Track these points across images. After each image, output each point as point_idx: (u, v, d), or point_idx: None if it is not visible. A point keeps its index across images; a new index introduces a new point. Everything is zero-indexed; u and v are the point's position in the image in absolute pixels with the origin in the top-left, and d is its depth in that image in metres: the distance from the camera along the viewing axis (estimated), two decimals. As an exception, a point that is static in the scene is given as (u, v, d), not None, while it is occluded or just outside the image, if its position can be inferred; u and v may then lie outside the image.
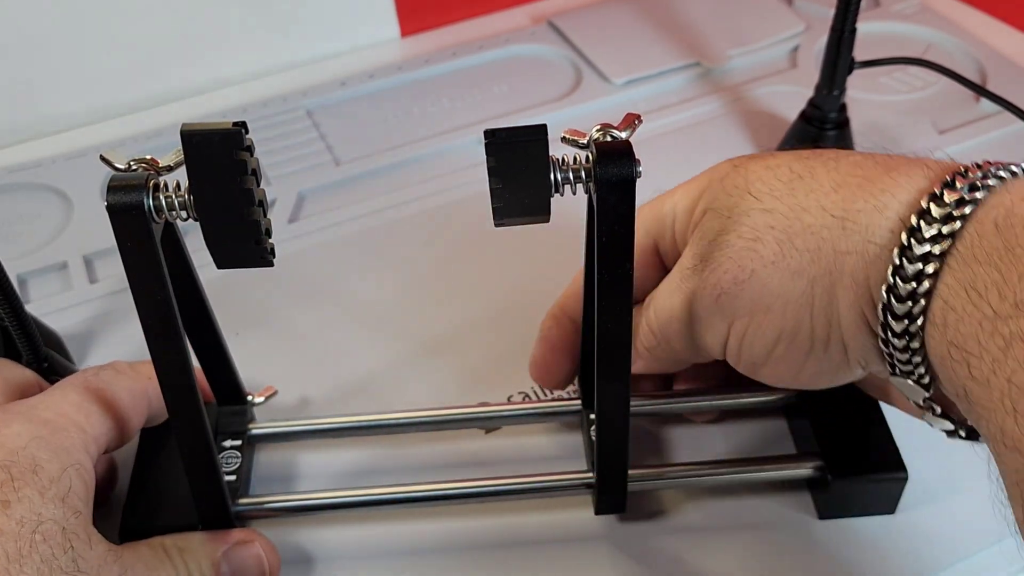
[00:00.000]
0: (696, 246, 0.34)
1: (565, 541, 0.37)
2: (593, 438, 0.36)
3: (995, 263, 0.26)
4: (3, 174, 0.55)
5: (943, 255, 0.28)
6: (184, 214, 0.29)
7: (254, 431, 0.39)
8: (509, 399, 0.42)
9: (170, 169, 0.29)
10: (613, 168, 0.28)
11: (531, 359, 0.40)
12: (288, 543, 0.37)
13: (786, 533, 0.37)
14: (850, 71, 0.50)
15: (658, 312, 0.35)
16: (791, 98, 0.57)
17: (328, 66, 0.63)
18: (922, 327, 0.28)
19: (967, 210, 0.28)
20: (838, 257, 0.30)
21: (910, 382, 0.30)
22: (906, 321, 0.29)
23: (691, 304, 0.34)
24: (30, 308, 0.40)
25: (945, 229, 0.28)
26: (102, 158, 0.29)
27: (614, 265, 0.29)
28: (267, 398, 0.40)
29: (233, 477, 0.37)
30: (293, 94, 0.60)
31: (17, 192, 0.55)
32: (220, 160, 0.27)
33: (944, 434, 0.32)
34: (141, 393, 0.36)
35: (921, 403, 0.31)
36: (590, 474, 0.37)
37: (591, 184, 0.29)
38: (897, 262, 0.28)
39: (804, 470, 0.37)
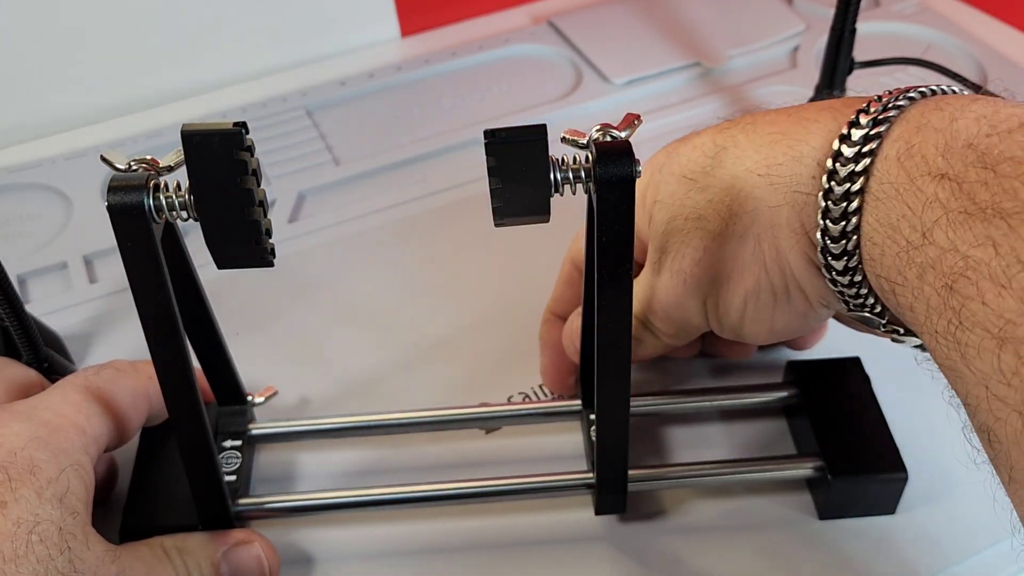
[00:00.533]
0: (654, 240, 0.36)
1: (565, 541, 0.37)
2: (593, 438, 0.36)
3: (902, 196, 0.28)
4: (3, 174, 0.55)
5: (861, 191, 0.29)
6: (184, 214, 0.29)
7: (254, 431, 0.39)
8: (509, 399, 0.42)
9: (170, 169, 0.29)
10: (613, 168, 0.28)
11: (540, 368, 0.41)
12: (288, 543, 0.37)
13: (786, 533, 0.37)
14: (850, 71, 0.50)
15: (640, 308, 0.37)
16: (791, 98, 0.56)
17: (328, 66, 0.63)
18: (860, 262, 0.30)
19: (873, 145, 0.29)
20: (772, 212, 0.32)
21: (866, 313, 0.32)
22: (845, 259, 0.30)
23: (665, 295, 0.36)
24: (30, 308, 0.41)
25: (858, 167, 0.29)
26: (102, 158, 0.29)
27: (614, 264, 0.30)
28: (267, 398, 0.40)
29: (233, 477, 0.37)
30: (293, 94, 0.60)
31: (17, 192, 0.55)
32: (220, 160, 0.27)
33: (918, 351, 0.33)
34: (142, 392, 0.36)
35: (881, 331, 0.32)
36: (590, 474, 0.37)
37: (591, 184, 0.29)
38: (823, 205, 0.30)
39: (804, 470, 0.37)
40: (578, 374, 0.40)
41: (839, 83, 0.50)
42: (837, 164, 0.29)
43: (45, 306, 0.47)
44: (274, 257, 0.30)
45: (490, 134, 0.28)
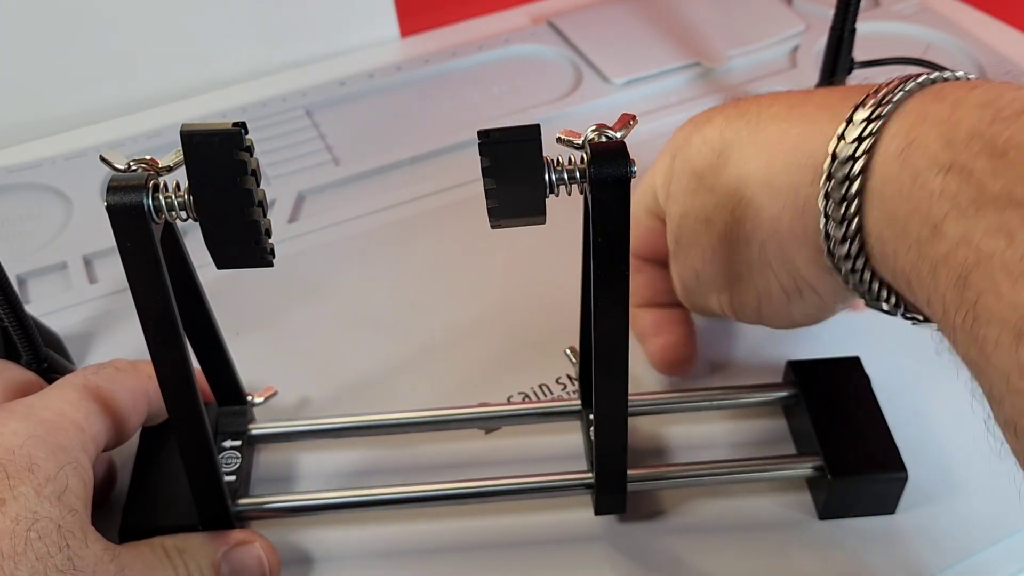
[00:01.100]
0: (670, 233, 0.37)
1: (565, 541, 0.37)
2: (592, 438, 0.36)
3: (907, 193, 0.27)
4: (3, 174, 0.55)
5: (861, 192, 0.29)
6: (184, 214, 0.29)
7: (254, 431, 0.39)
8: (509, 399, 0.42)
9: (170, 169, 0.29)
10: (607, 168, 0.28)
11: (649, 355, 0.42)
12: (288, 543, 0.37)
13: (786, 533, 0.37)
14: (850, 71, 0.50)
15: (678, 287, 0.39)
16: (791, 98, 0.57)
17: (328, 66, 0.63)
18: (865, 258, 0.30)
19: (868, 144, 0.28)
20: (774, 220, 0.32)
21: (882, 306, 0.31)
22: (852, 260, 0.30)
23: (682, 283, 0.37)
24: (30, 308, 0.41)
25: (855, 168, 0.29)
26: (102, 158, 0.29)
27: (610, 265, 0.29)
28: (267, 398, 0.40)
29: (233, 477, 0.37)
30: (293, 94, 0.60)
31: (17, 192, 0.55)
32: (220, 160, 0.27)
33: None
34: (141, 392, 0.36)
35: (902, 317, 0.32)
36: (589, 474, 0.37)
37: (586, 184, 0.29)
38: (823, 209, 0.30)
39: (804, 470, 0.37)
40: (694, 350, 0.41)
41: (839, 83, 0.50)
42: (833, 167, 0.29)
43: (45, 306, 0.47)
44: (274, 257, 0.30)
45: (484, 134, 0.28)
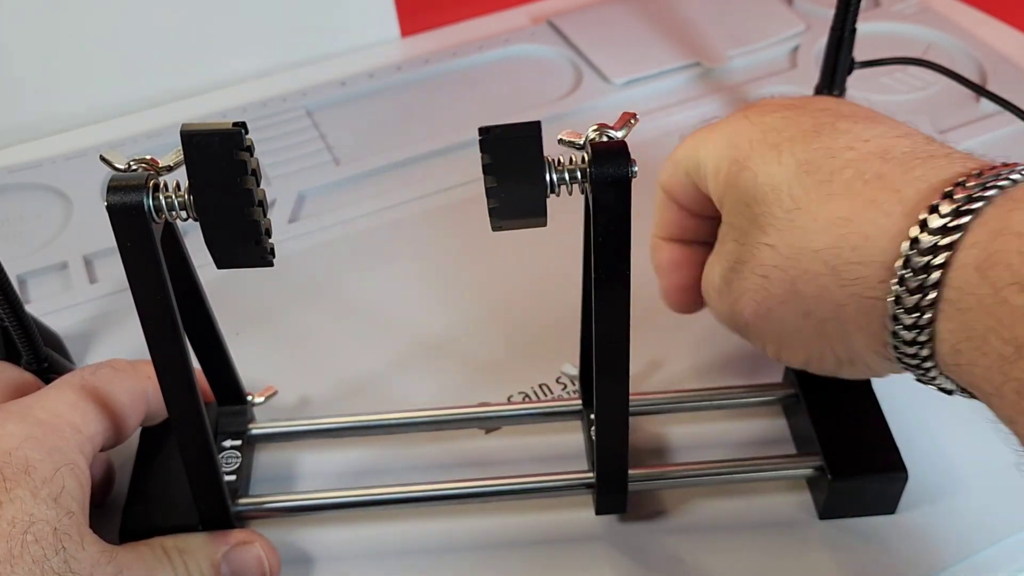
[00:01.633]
0: (721, 263, 0.35)
1: (565, 541, 0.37)
2: (593, 438, 0.36)
3: (987, 308, 0.26)
4: (3, 174, 0.55)
5: (936, 300, 0.27)
6: (184, 214, 0.29)
7: (254, 431, 0.39)
8: (509, 399, 0.42)
9: (170, 169, 0.29)
10: (608, 168, 0.28)
11: (662, 293, 0.41)
12: (288, 543, 0.37)
13: (786, 533, 0.37)
14: (850, 71, 0.50)
15: (716, 311, 0.37)
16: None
17: (328, 66, 0.63)
18: (934, 362, 0.29)
19: (945, 256, 0.27)
20: (839, 307, 0.31)
21: (934, 388, 0.31)
22: (918, 359, 0.29)
23: (725, 319, 0.36)
24: (30, 308, 0.41)
25: (931, 277, 0.27)
26: (102, 158, 0.29)
27: (611, 265, 0.29)
28: (267, 398, 0.40)
29: (233, 477, 0.37)
30: (293, 94, 0.60)
31: (17, 192, 0.55)
32: (220, 160, 0.27)
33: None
34: (139, 392, 0.36)
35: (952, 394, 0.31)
36: (590, 474, 0.37)
37: (587, 184, 0.29)
38: (893, 311, 0.29)
39: (804, 470, 0.37)
40: (700, 296, 0.40)
41: (839, 83, 0.50)
42: (907, 272, 0.28)
43: (45, 306, 0.47)
44: (274, 257, 0.30)
45: (484, 131, 0.28)
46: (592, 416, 0.37)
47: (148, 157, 0.29)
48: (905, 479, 0.36)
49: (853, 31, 0.48)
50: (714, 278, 0.36)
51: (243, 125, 0.27)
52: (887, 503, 0.37)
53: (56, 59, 0.58)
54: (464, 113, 0.58)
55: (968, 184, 0.28)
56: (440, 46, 0.64)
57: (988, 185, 0.28)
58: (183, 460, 0.34)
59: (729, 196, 0.34)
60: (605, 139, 0.29)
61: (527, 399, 0.42)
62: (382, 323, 0.46)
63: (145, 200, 0.28)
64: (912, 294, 0.28)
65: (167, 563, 0.33)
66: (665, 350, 0.44)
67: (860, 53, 0.49)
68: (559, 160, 0.29)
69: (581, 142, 0.29)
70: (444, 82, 0.61)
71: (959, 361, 0.28)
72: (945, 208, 0.28)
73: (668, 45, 0.62)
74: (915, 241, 0.28)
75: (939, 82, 0.58)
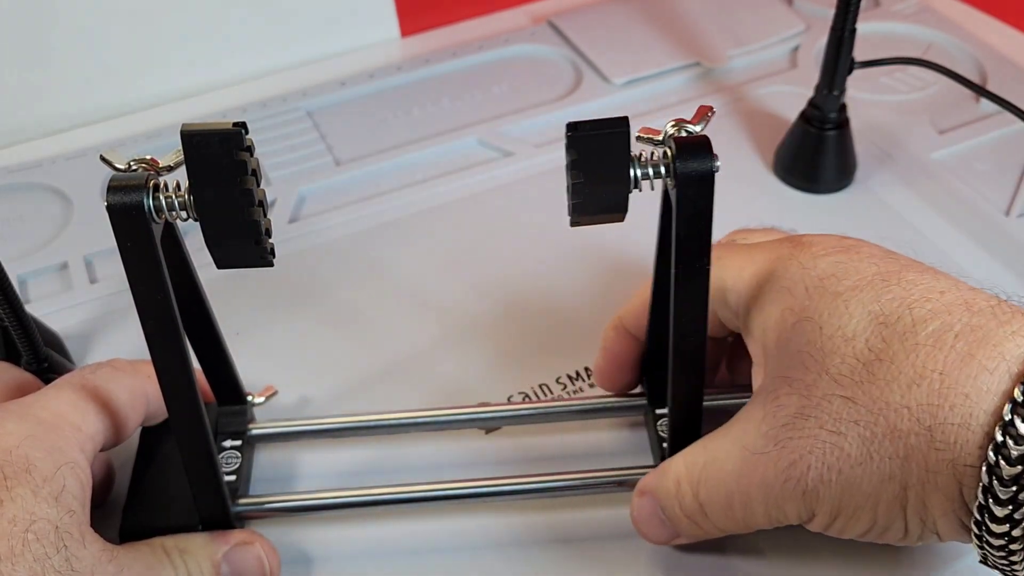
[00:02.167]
0: (768, 421, 0.31)
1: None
2: (661, 433, 0.36)
3: None
4: (3, 174, 0.55)
5: None
6: (184, 214, 0.29)
7: (254, 431, 0.39)
8: (509, 399, 0.42)
9: (170, 169, 0.29)
10: (693, 162, 0.28)
11: (595, 367, 0.40)
12: (288, 543, 0.37)
13: (786, 532, 0.37)
14: (850, 71, 0.50)
15: (710, 493, 0.32)
16: (791, 98, 0.57)
17: (328, 66, 0.63)
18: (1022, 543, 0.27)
19: None
20: (929, 473, 0.28)
21: (999, 566, 0.29)
22: (1005, 539, 0.27)
23: (763, 491, 0.31)
24: (30, 308, 0.41)
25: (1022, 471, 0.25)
26: (102, 158, 0.29)
27: (691, 260, 0.30)
28: (267, 398, 0.40)
29: (233, 477, 0.37)
30: (293, 94, 0.60)
31: (17, 192, 0.55)
32: (220, 160, 0.27)
33: None
34: (139, 392, 0.36)
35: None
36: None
37: (668, 180, 0.29)
38: (987, 481, 0.26)
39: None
40: (633, 381, 0.40)
41: (839, 83, 0.50)
42: (1008, 440, 0.26)
43: (45, 306, 0.47)
44: (274, 257, 0.30)
45: (572, 127, 0.28)
46: (658, 412, 0.38)
47: (148, 157, 0.29)
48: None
49: (853, 31, 0.48)
50: (750, 441, 0.31)
51: (243, 125, 0.27)
52: None
53: (56, 59, 0.58)
54: (464, 113, 0.58)
55: None
56: (440, 46, 0.64)
57: None
58: (183, 460, 0.34)
59: (785, 349, 0.31)
60: (683, 134, 0.29)
61: (527, 399, 0.42)
62: (382, 323, 0.46)
63: (145, 200, 0.28)
64: (1013, 465, 0.26)
65: (167, 563, 0.33)
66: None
67: (860, 53, 0.49)
68: (642, 155, 0.29)
69: (660, 138, 0.29)
70: (444, 82, 0.61)
71: None
72: None
73: (668, 45, 0.62)
74: (1019, 405, 0.26)
75: (939, 82, 0.58)
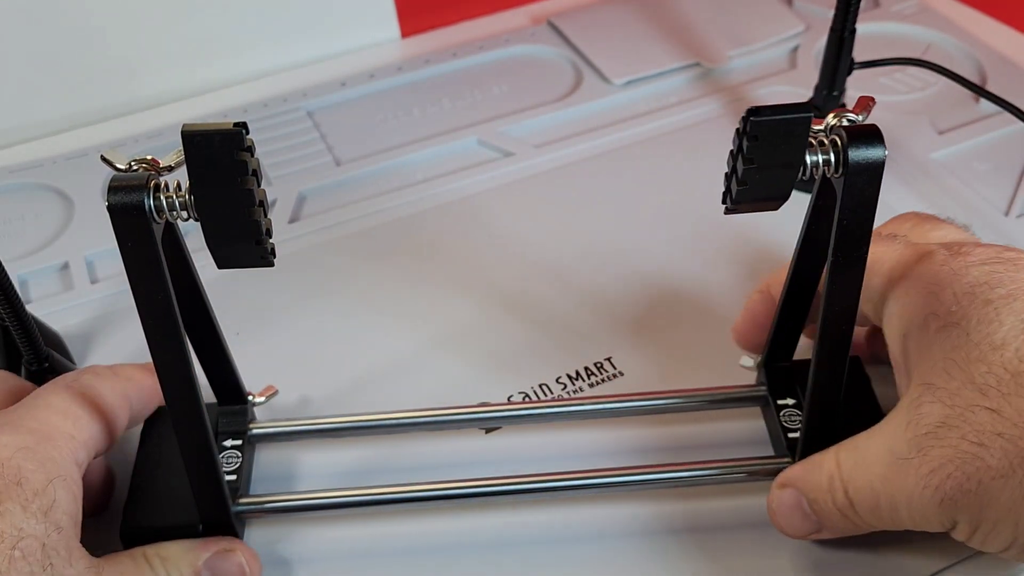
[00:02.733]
0: (913, 429, 0.31)
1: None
2: (784, 423, 0.37)
3: None
4: (3, 174, 0.55)
5: None
6: (185, 214, 0.29)
7: (254, 431, 0.39)
8: (509, 399, 0.42)
9: (171, 169, 0.29)
10: (865, 151, 0.28)
11: (735, 327, 0.40)
12: (288, 543, 0.38)
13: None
14: (850, 72, 0.50)
15: (858, 492, 0.32)
16: (790, 99, 0.56)
17: (328, 66, 0.63)
18: None
19: None
20: None
21: None
22: None
23: (907, 496, 0.31)
24: (31, 308, 0.41)
25: None
26: (103, 158, 0.29)
27: (851, 248, 0.30)
28: (267, 398, 0.40)
29: (233, 477, 0.37)
30: (293, 94, 0.60)
31: (18, 192, 0.55)
32: (221, 160, 0.27)
33: None
34: (122, 394, 0.36)
35: None
36: (787, 459, 0.37)
37: (833, 168, 0.29)
38: None
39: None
40: (764, 342, 0.40)
41: (839, 84, 0.50)
42: None
43: (46, 306, 0.47)
44: (274, 257, 0.30)
45: (755, 111, 0.28)
46: (779, 402, 0.38)
47: (149, 157, 0.29)
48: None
49: (853, 31, 0.48)
50: (897, 446, 0.31)
51: (244, 125, 0.27)
52: None
53: (57, 59, 0.58)
54: (464, 113, 0.58)
55: None
56: (440, 46, 0.64)
57: None
58: (184, 460, 0.34)
59: (929, 354, 0.31)
60: (846, 123, 0.29)
61: (527, 399, 0.42)
62: (382, 323, 0.46)
63: (146, 200, 0.28)
64: None
65: (148, 571, 0.33)
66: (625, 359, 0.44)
67: (860, 53, 0.49)
68: (821, 141, 0.29)
69: (822, 127, 0.29)
70: (444, 82, 0.61)
71: None
72: None
73: (668, 45, 0.62)
74: None
75: (939, 82, 0.58)
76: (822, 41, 0.51)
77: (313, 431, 0.40)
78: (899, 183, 0.52)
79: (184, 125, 0.27)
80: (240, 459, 0.38)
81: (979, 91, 0.50)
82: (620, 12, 0.66)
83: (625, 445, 0.40)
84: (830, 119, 0.30)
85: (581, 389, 0.43)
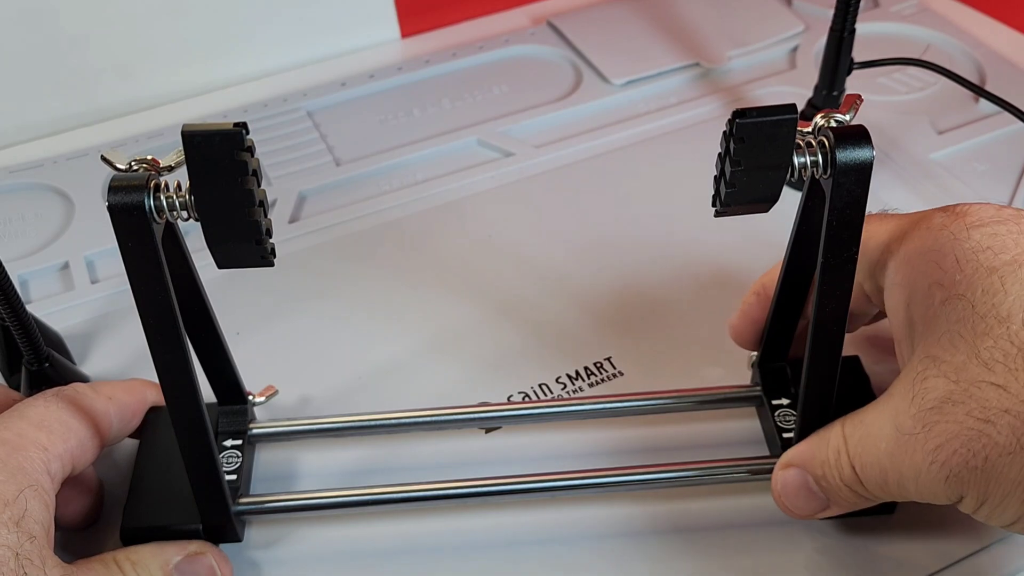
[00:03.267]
0: (917, 403, 0.30)
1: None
2: (778, 423, 0.37)
3: None
4: (3, 174, 0.55)
5: None
6: (185, 214, 0.29)
7: (254, 431, 0.39)
8: (509, 399, 0.42)
9: (171, 169, 0.29)
10: (852, 152, 0.28)
11: (731, 325, 0.40)
12: (288, 543, 0.38)
13: (786, 532, 0.37)
14: (849, 72, 0.50)
15: (866, 468, 0.32)
16: (790, 99, 0.55)
17: (328, 67, 0.63)
18: None
19: None
20: None
21: None
22: None
23: (914, 472, 0.30)
24: (32, 308, 0.41)
25: None
26: (103, 158, 0.29)
27: (841, 249, 0.30)
28: (267, 398, 0.40)
29: (234, 476, 0.37)
30: (293, 94, 0.60)
31: (18, 192, 0.55)
32: (221, 160, 0.27)
33: None
34: (103, 411, 0.36)
35: None
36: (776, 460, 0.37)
37: (821, 169, 0.29)
38: None
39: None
40: (758, 340, 0.40)
41: (839, 84, 0.50)
42: None
43: (47, 306, 0.47)
44: (274, 257, 0.30)
45: (740, 113, 0.28)
46: (774, 402, 0.38)
47: (149, 157, 0.29)
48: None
49: (852, 31, 0.48)
50: (902, 422, 0.31)
51: (244, 125, 0.27)
52: (887, 503, 0.37)
53: (56, 59, 0.58)
54: (464, 113, 0.58)
55: None
56: (440, 46, 0.64)
57: None
58: (184, 459, 0.34)
59: (933, 326, 0.30)
60: (833, 124, 0.29)
61: (527, 399, 0.42)
62: (382, 323, 0.46)
63: (146, 200, 0.28)
64: None
65: (119, 575, 0.33)
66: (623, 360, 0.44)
67: (859, 53, 0.49)
68: (809, 142, 0.29)
69: (809, 129, 0.29)
70: (444, 83, 0.61)
71: None
72: None
73: (668, 45, 0.62)
74: None
75: (938, 82, 0.58)
76: (822, 41, 0.51)
77: (313, 431, 0.40)
78: (899, 183, 0.52)
79: (184, 125, 0.27)
80: (240, 459, 0.38)
81: (979, 91, 0.50)
82: (620, 12, 0.66)
83: (624, 445, 0.40)
84: (818, 120, 0.29)
85: (581, 389, 0.43)
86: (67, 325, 0.46)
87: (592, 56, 0.61)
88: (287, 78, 0.62)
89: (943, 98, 0.58)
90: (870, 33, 0.61)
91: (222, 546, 0.36)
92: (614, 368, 0.43)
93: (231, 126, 0.27)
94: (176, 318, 0.31)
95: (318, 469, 0.40)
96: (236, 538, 0.36)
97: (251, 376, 0.40)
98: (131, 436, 0.38)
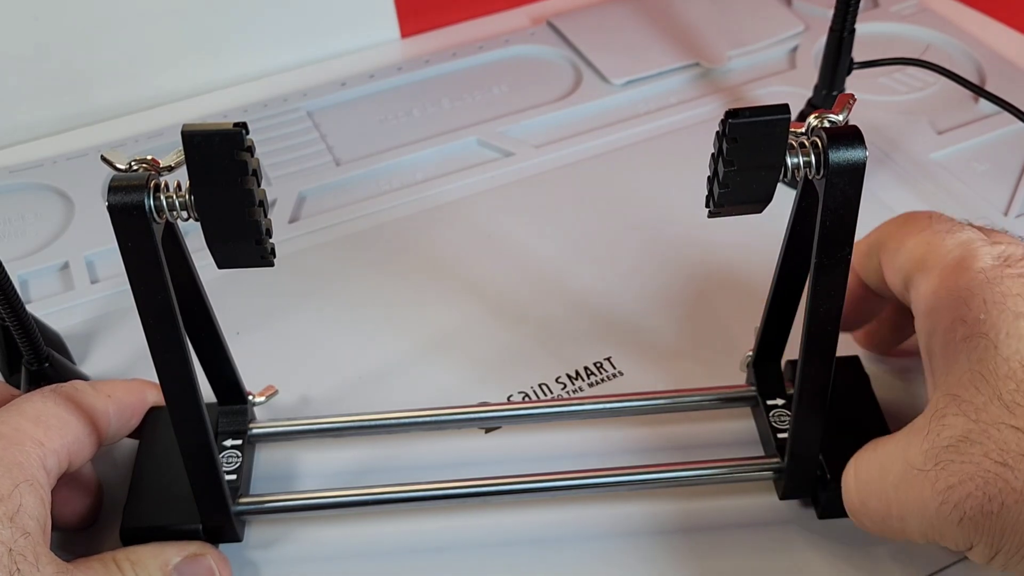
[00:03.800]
0: (931, 439, 0.30)
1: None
2: (774, 424, 0.37)
3: None
4: (3, 174, 0.55)
5: None
6: (185, 214, 0.29)
7: (254, 431, 0.39)
8: (509, 399, 0.42)
9: (171, 169, 0.29)
10: (845, 153, 0.28)
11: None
12: (288, 543, 0.38)
13: (786, 532, 0.37)
14: (849, 72, 0.50)
15: (871, 495, 0.32)
16: (790, 99, 0.56)
17: (328, 67, 0.63)
18: None
19: None
20: None
21: None
22: None
23: (919, 507, 0.30)
24: (31, 308, 0.41)
25: None
26: (103, 158, 0.29)
27: (834, 249, 0.30)
28: (267, 398, 0.40)
29: (234, 476, 0.37)
30: (293, 94, 0.60)
31: (18, 192, 0.55)
32: (221, 160, 0.27)
33: None
34: (102, 409, 0.36)
35: None
36: (775, 460, 0.37)
37: (815, 169, 0.29)
38: None
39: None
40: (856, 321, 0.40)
41: (838, 84, 0.50)
42: None
43: (47, 306, 0.47)
44: (274, 257, 0.30)
45: (733, 114, 0.28)
46: (769, 403, 0.38)
47: (149, 157, 0.29)
48: (904, 479, 0.36)
49: (852, 31, 0.48)
50: (912, 456, 0.30)
51: (244, 125, 0.27)
52: None
53: (56, 59, 0.58)
54: (464, 113, 0.58)
55: None
56: (440, 46, 0.64)
57: None
58: (184, 459, 0.34)
59: (953, 362, 0.30)
60: (827, 124, 0.29)
61: (527, 399, 0.42)
62: (382, 323, 0.46)
63: (146, 200, 0.28)
64: None
65: (118, 575, 0.33)
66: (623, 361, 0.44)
67: (859, 53, 0.49)
68: (802, 143, 0.29)
69: (803, 130, 0.29)
70: (444, 82, 0.61)
71: None
72: None
73: (668, 45, 0.62)
74: None
75: (938, 83, 0.58)
76: (821, 41, 0.51)
77: (313, 431, 0.40)
78: (899, 183, 0.52)
79: (184, 125, 0.27)
80: (240, 459, 0.38)
81: (978, 91, 0.50)
82: (620, 12, 0.66)
83: (623, 445, 0.40)
84: (811, 120, 0.29)
85: (581, 389, 0.43)
86: (67, 325, 0.46)
87: (592, 56, 0.61)
88: (287, 78, 0.62)
89: (943, 98, 0.58)
90: (870, 33, 0.61)
91: (222, 546, 0.36)
92: (614, 368, 0.43)
93: (231, 126, 0.27)
94: (176, 318, 0.31)
95: (318, 469, 0.40)
96: (236, 538, 0.36)
97: (251, 376, 0.40)
98: (131, 436, 0.38)
